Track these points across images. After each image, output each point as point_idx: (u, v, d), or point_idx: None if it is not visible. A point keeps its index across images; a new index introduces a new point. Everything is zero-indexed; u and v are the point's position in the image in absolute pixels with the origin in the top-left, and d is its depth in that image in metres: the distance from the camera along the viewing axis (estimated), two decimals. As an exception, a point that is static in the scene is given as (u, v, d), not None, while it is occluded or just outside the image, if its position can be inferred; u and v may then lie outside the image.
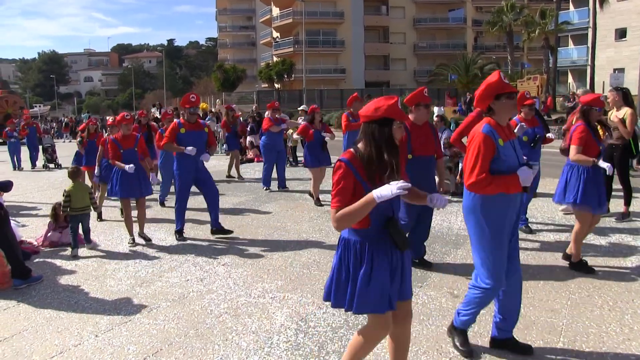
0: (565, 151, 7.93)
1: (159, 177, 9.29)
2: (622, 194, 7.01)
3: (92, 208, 6.38)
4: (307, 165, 8.68)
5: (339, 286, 2.68)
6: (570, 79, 37.51)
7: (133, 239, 6.43)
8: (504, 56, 38.66)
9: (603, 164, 4.72)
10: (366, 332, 2.75)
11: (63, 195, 6.26)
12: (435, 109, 11.24)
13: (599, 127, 5.10)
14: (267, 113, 13.02)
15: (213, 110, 20.41)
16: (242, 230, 6.87)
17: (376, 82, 47.40)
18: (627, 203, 6.95)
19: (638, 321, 3.89)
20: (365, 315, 2.79)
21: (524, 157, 3.39)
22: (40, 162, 16.21)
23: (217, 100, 30.74)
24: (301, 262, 5.56)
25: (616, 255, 5.47)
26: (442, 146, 7.27)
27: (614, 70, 29.86)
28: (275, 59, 49.30)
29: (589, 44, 30.20)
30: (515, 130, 5.67)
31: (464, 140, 5.69)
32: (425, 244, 5.36)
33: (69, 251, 6.15)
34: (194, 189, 6.76)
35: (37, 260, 5.96)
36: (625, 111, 6.55)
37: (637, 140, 7.16)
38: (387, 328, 2.71)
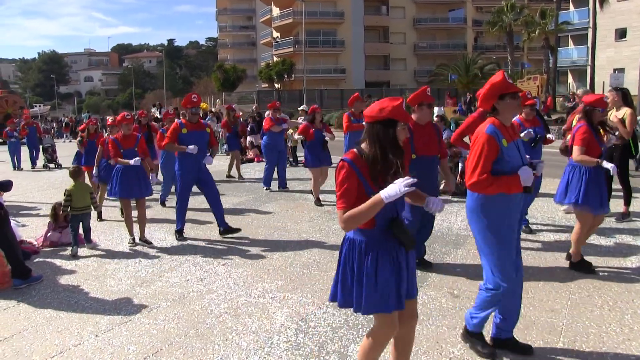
0: (564, 151, 7.94)
1: (160, 177, 9.30)
2: (622, 194, 7.00)
3: (92, 207, 6.39)
4: (307, 165, 8.67)
5: (345, 286, 2.68)
6: (570, 79, 37.50)
7: (133, 239, 6.43)
8: (504, 56, 38.66)
9: (607, 165, 4.71)
10: (374, 333, 2.75)
11: (64, 194, 6.27)
12: (435, 109, 11.22)
13: (600, 129, 5.08)
14: (267, 113, 13.02)
15: (213, 110, 20.42)
16: (242, 230, 6.86)
17: (376, 82, 47.40)
18: (627, 203, 6.95)
19: (638, 321, 3.89)
20: (365, 315, 2.79)
21: (527, 156, 3.39)
22: (40, 162, 16.21)
23: (217, 100, 30.76)
24: (301, 262, 5.56)
25: (616, 255, 5.47)
26: None
27: (614, 70, 29.86)
28: (275, 59, 49.31)
29: (589, 44, 30.20)
30: (522, 135, 5.66)
31: (466, 139, 5.71)
32: (425, 243, 5.37)
33: (69, 251, 6.15)
34: (194, 189, 6.76)
35: (37, 260, 5.96)
36: (625, 111, 6.55)
37: (636, 140, 7.16)
38: (394, 327, 2.72)
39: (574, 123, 7.54)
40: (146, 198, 6.64)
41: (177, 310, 4.39)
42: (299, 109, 14.85)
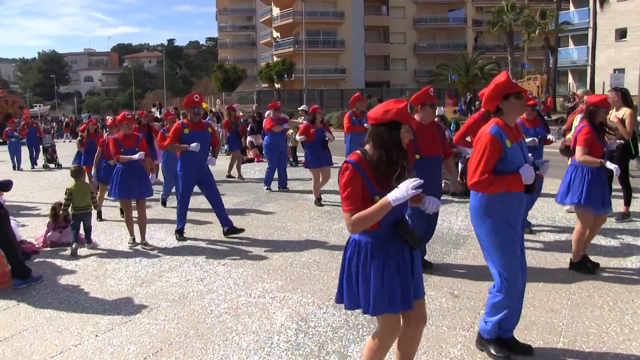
0: (564, 151, 7.94)
1: (160, 177, 9.30)
2: (621, 194, 7.00)
3: (93, 207, 6.41)
4: (307, 166, 8.65)
5: (350, 288, 2.68)
6: (570, 79, 37.51)
7: (133, 239, 6.42)
8: (504, 56, 38.65)
9: (610, 165, 4.70)
10: (380, 334, 2.76)
11: (65, 193, 6.29)
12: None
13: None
14: (267, 113, 13.01)
15: (213, 110, 20.42)
16: (243, 228, 6.85)
17: (376, 82, 47.40)
18: (627, 203, 6.95)
19: (638, 321, 3.89)
20: (365, 315, 2.79)
21: (530, 154, 3.38)
22: (40, 162, 16.21)
23: (217, 100, 30.75)
24: (301, 262, 5.56)
25: (616, 255, 5.47)
26: None
27: (614, 70, 29.87)
28: (275, 58, 49.31)
29: (589, 44, 30.20)
30: (528, 141, 5.65)
31: (468, 138, 5.70)
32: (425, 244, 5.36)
33: (69, 251, 6.15)
34: (195, 189, 6.76)
35: (37, 260, 5.96)
36: (625, 111, 6.55)
37: (636, 140, 7.16)
38: (398, 328, 2.74)
39: (574, 123, 7.55)
40: (146, 198, 6.64)
41: (177, 310, 4.39)
42: (299, 109, 14.83)
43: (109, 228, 7.41)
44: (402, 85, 45.46)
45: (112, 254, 6.15)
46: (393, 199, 2.46)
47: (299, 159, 14.06)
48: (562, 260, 5.28)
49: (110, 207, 8.48)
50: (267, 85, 48.55)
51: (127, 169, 6.25)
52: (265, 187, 10.02)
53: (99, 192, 7.91)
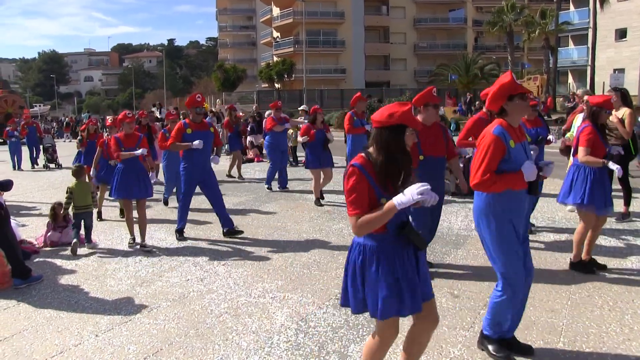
0: (564, 151, 7.94)
1: (161, 177, 9.28)
2: (621, 194, 7.00)
3: (93, 205, 6.46)
4: (308, 167, 8.65)
5: (356, 292, 2.67)
6: (570, 79, 37.51)
7: (133, 239, 6.42)
8: (504, 56, 38.66)
9: (613, 166, 4.69)
10: (379, 334, 2.76)
11: (66, 192, 6.31)
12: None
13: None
14: (267, 113, 13.00)
15: (214, 110, 20.41)
16: (242, 230, 6.85)
17: (376, 82, 47.39)
18: (627, 203, 6.95)
19: (638, 321, 3.89)
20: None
21: (532, 153, 3.38)
22: (41, 161, 16.20)
23: (218, 100, 30.76)
24: (301, 262, 5.56)
25: (616, 255, 5.47)
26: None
27: (614, 70, 29.86)
28: (275, 58, 49.31)
29: (589, 44, 30.20)
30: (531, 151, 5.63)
31: (470, 138, 5.68)
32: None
33: (69, 251, 6.16)
34: (196, 189, 6.76)
35: (37, 260, 5.96)
36: (624, 111, 6.55)
37: (636, 140, 7.16)
38: (397, 328, 2.76)
39: (574, 123, 7.56)
40: (146, 199, 6.63)
41: (177, 310, 4.39)
42: (299, 109, 14.85)
43: (109, 228, 7.41)
44: (402, 85, 45.46)
45: (112, 253, 6.16)
46: (399, 203, 2.47)
47: (299, 159, 14.05)
48: (562, 260, 5.28)
49: (111, 207, 8.48)
50: (267, 85, 48.56)
51: (127, 168, 6.25)
52: (267, 186, 10.02)
53: (99, 192, 7.92)
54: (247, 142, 15.31)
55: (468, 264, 5.34)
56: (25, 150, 16.01)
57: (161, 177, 9.43)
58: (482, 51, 44.00)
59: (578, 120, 7.36)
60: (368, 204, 2.56)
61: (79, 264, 5.77)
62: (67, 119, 39.61)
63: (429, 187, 2.46)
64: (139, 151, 6.23)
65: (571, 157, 7.36)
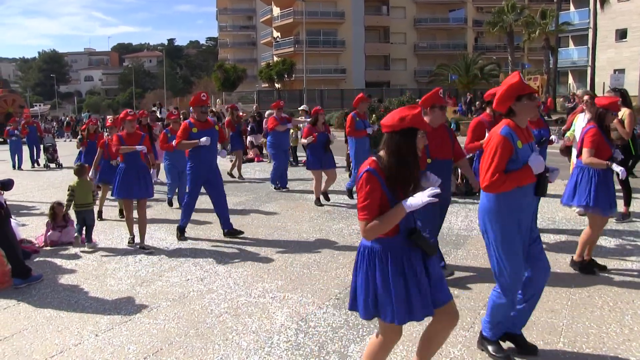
0: (564, 152, 7.93)
1: (161, 176, 9.27)
2: (621, 194, 7.00)
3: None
4: (308, 167, 8.64)
5: (367, 297, 2.66)
6: (570, 80, 37.52)
7: (133, 237, 6.42)
8: (505, 56, 38.70)
9: (617, 168, 4.68)
10: (383, 334, 2.77)
11: (68, 189, 6.35)
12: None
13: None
14: (267, 113, 12.99)
15: (214, 110, 20.41)
16: (243, 230, 6.86)
17: (376, 82, 47.41)
18: (627, 204, 6.95)
19: (638, 322, 3.89)
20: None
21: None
22: (41, 161, 16.19)
23: (218, 100, 30.76)
24: (301, 262, 5.56)
25: (616, 255, 5.47)
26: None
27: (615, 71, 29.89)
28: (275, 58, 49.30)
29: (590, 45, 30.21)
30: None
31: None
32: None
33: (69, 250, 6.16)
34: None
35: (37, 259, 5.96)
36: (624, 112, 6.55)
37: (636, 141, 7.16)
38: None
39: (574, 123, 7.55)
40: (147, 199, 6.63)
41: (177, 309, 4.39)
42: (299, 109, 14.84)
43: (109, 228, 7.41)
44: (402, 86, 45.46)
45: (112, 253, 6.16)
46: (408, 205, 2.49)
47: (299, 158, 14.05)
48: (562, 260, 5.28)
49: (111, 207, 8.48)
50: (267, 85, 48.56)
51: (129, 168, 6.23)
52: (273, 186, 10.01)
53: (100, 193, 7.93)
54: (247, 142, 15.32)
55: (468, 264, 5.34)
56: (25, 150, 16.01)
57: (161, 177, 9.42)
58: (482, 51, 44.02)
59: (578, 120, 7.36)
60: (379, 209, 2.57)
61: (79, 264, 5.77)
62: (67, 118, 39.62)
63: (439, 191, 2.50)
64: (139, 147, 6.22)
65: (574, 158, 7.37)
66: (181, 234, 6.63)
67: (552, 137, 6.19)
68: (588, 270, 4.93)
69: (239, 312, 4.29)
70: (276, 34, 51.34)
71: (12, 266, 5.06)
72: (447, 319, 2.77)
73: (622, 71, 29.23)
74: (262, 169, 13.13)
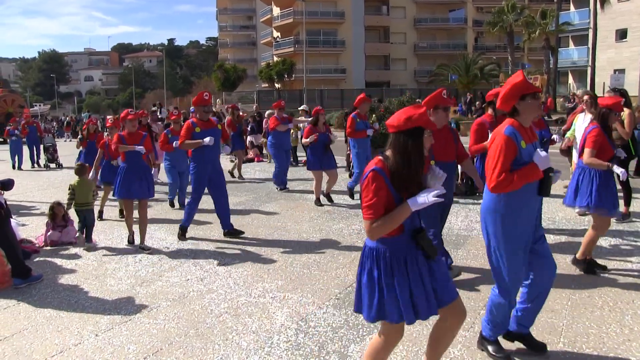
0: (565, 152, 7.93)
1: (162, 176, 9.26)
2: (621, 194, 7.00)
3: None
4: (309, 168, 8.64)
5: (371, 299, 2.66)
6: (570, 80, 37.53)
7: (132, 234, 6.42)
8: (505, 56, 38.71)
9: (617, 169, 4.67)
10: (386, 334, 2.77)
11: (69, 188, 6.38)
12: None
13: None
14: (267, 112, 12.97)
15: (214, 109, 20.40)
16: (243, 230, 6.86)
17: (376, 82, 47.42)
18: (627, 204, 6.95)
19: (638, 322, 3.89)
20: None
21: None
22: (41, 161, 16.19)
23: (218, 100, 30.74)
24: (301, 262, 5.56)
25: (616, 256, 5.47)
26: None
27: (615, 71, 29.89)
28: (275, 58, 49.31)
29: (590, 45, 30.22)
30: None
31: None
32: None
33: (69, 250, 6.16)
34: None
35: (37, 259, 5.96)
36: (624, 112, 6.55)
37: (635, 141, 7.17)
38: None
39: (574, 123, 7.56)
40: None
41: (177, 309, 4.39)
42: (299, 108, 14.84)
43: (109, 227, 7.41)
44: (402, 85, 45.47)
45: (112, 253, 6.16)
46: (413, 204, 2.50)
47: (299, 158, 14.05)
48: (562, 260, 5.28)
49: (111, 207, 8.48)
50: (267, 85, 48.57)
51: (130, 168, 6.20)
52: (278, 188, 9.95)
53: (102, 193, 7.94)
54: (247, 142, 15.31)
55: (468, 264, 5.34)
56: (25, 150, 16.01)
57: (162, 177, 9.41)
58: (482, 51, 44.03)
59: (578, 120, 7.36)
60: (385, 208, 2.57)
61: (79, 264, 5.77)
62: (67, 118, 39.61)
63: (444, 190, 2.52)
64: (138, 147, 6.21)
65: (575, 159, 7.37)
66: (183, 233, 6.62)
67: (554, 136, 6.18)
68: (589, 269, 4.93)
69: (239, 312, 4.29)
70: (276, 34, 51.34)
71: (12, 266, 5.06)
72: (453, 317, 2.77)
73: (622, 71, 29.24)
74: (262, 169, 13.13)
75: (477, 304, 4.30)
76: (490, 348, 3.42)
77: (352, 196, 8.74)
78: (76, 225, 6.55)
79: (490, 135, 3.90)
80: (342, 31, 48.28)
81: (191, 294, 4.73)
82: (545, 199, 7.81)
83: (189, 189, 7.96)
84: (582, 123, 7.05)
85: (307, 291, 4.71)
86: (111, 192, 7.48)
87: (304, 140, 8.59)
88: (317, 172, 8.48)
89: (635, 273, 4.93)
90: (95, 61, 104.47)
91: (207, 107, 6.56)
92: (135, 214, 6.45)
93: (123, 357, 3.60)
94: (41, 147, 16.26)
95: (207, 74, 62.81)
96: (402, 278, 2.60)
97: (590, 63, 29.78)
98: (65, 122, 36.26)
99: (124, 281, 5.15)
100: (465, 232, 6.54)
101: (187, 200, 6.90)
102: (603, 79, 28.04)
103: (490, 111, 5.65)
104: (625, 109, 6.58)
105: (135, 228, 6.44)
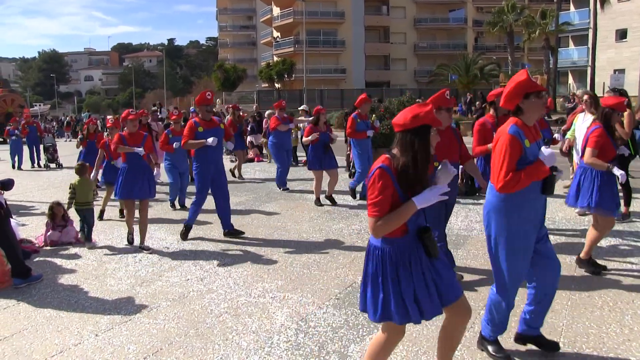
0: (564, 152, 7.92)
1: (163, 176, 9.25)
2: (621, 194, 7.00)
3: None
4: (309, 168, 8.64)
5: (375, 299, 2.66)
6: (570, 80, 37.53)
7: (132, 233, 6.42)
8: (505, 56, 38.70)
9: (617, 172, 4.66)
10: (387, 333, 2.77)
11: (69, 187, 6.40)
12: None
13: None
14: (267, 112, 12.97)
15: (214, 109, 20.41)
16: (243, 230, 6.86)
17: (376, 82, 47.42)
18: (627, 204, 6.96)
19: (638, 322, 3.89)
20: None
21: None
22: (42, 161, 16.19)
23: (218, 100, 30.75)
24: (301, 262, 5.56)
25: (616, 256, 5.47)
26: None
27: (615, 71, 29.90)
28: (275, 58, 49.32)
29: (590, 45, 30.22)
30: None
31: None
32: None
33: (69, 250, 6.16)
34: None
35: (37, 259, 5.96)
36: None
37: (635, 141, 7.16)
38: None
39: (574, 123, 7.56)
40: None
41: (177, 309, 4.39)
42: (299, 108, 14.84)
43: (109, 227, 7.41)
44: (402, 85, 45.48)
45: (112, 253, 6.16)
46: (418, 202, 2.51)
47: (299, 158, 14.05)
48: (562, 260, 5.24)
49: (111, 207, 8.48)
50: (267, 85, 48.57)
51: (131, 168, 6.18)
52: (282, 188, 9.93)
53: (105, 194, 7.94)
54: (247, 142, 15.30)
55: (468, 264, 5.34)
56: (25, 150, 16.00)
57: (163, 177, 9.40)
58: (482, 51, 44.04)
59: (578, 120, 7.36)
60: (390, 206, 2.57)
61: (79, 264, 5.77)
62: (67, 118, 39.61)
63: (448, 189, 2.54)
64: (138, 149, 6.21)
65: (576, 158, 7.37)
66: (186, 231, 6.61)
67: (556, 135, 6.18)
68: (595, 271, 4.92)
69: (239, 312, 4.29)
70: (276, 34, 51.34)
71: (12, 266, 5.06)
72: (459, 315, 2.79)
73: (622, 71, 29.25)
74: (262, 169, 13.13)
75: (477, 304, 4.30)
76: (490, 348, 3.42)
77: (354, 196, 8.73)
78: (77, 224, 6.56)
79: (494, 136, 3.89)
80: (342, 31, 48.29)
81: (191, 294, 4.73)
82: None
83: (189, 189, 7.98)
84: (581, 123, 7.05)
85: (307, 291, 4.71)
86: (113, 193, 7.48)
87: (304, 139, 8.58)
88: (318, 171, 8.48)
89: (635, 273, 4.93)
90: (95, 61, 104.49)
91: (209, 106, 6.57)
92: (135, 213, 6.45)
93: (123, 357, 3.60)
94: (41, 147, 16.25)
95: (207, 74, 62.82)
96: (407, 279, 2.60)
97: (590, 63, 29.78)
98: (65, 122, 36.25)
99: (124, 281, 5.15)
100: (465, 232, 6.54)
101: (187, 201, 6.89)
102: (603, 79, 28.05)
103: (491, 111, 5.64)
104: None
105: (135, 228, 6.44)
